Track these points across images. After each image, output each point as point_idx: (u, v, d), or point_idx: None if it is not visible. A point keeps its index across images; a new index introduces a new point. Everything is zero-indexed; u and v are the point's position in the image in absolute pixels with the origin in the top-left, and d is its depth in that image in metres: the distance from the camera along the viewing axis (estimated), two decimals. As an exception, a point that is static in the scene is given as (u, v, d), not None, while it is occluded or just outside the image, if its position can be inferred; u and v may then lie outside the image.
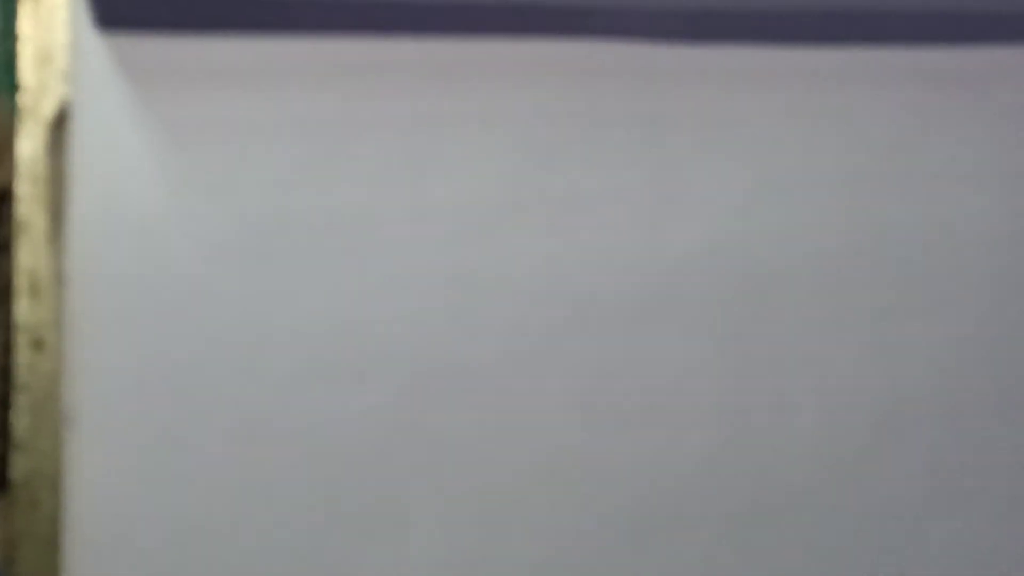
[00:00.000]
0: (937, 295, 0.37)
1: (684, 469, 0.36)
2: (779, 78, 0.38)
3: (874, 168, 0.38)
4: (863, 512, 0.36)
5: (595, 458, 0.35)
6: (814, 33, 0.38)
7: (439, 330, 0.34)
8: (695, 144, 0.37)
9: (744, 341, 0.38)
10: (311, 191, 0.34)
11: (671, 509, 0.35)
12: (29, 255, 0.34)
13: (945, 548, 0.37)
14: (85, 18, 0.33)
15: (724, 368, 0.36)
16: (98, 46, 0.33)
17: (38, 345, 0.34)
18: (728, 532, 0.36)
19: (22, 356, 0.34)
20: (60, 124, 0.33)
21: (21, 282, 0.34)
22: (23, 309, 0.34)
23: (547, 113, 0.36)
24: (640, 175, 0.37)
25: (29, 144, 0.34)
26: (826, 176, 0.38)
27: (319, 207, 0.34)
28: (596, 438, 0.35)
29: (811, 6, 0.36)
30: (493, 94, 0.36)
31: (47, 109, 0.34)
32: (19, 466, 0.34)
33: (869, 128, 0.38)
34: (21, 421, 0.34)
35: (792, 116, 0.38)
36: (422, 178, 0.35)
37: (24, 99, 0.34)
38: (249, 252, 0.33)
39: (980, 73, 0.37)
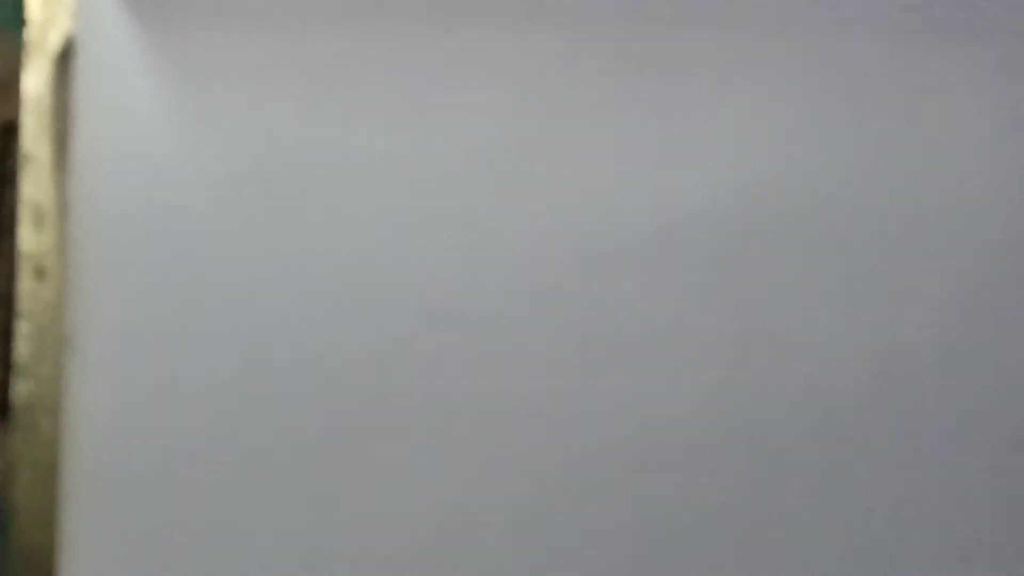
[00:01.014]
0: (942, 243, 0.37)
1: (683, 410, 0.36)
2: (781, 22, 0.37)
3: (879, 113, 0.37)
4: (862, 453, 0.37)
5: (594, 398, 0.36)
6: None
7: (443, 269, 0.35)
8: (698, 88, 0.36)
9: (745, 285, 0.37)
10: (316, 131, 0.34)
11: (669, 448, 0.36)
12: (33, 186, 0.34)
13: (942, 493, 0.38)
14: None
15: (725, 312, 0.36)
16: None
17: (40, 273, 0.34)
18: (727, 472, 0.37)
19: (25, 284, 0.34)
20: (66, 58, 0.34)
21: (25, 212, 0.34)
22: (27, 238, 0.34)
23: (549, 58, 0.36)
24: (642, 119, 0.36)
25: (35, 78, 0.34)
26: (830, 121, 0.37)
27: (324, 147, 0.34)
28: (596, 378, 0.36)
29: None
30: (495, 38, 0.36)
31: (53, 43, 0.35)
32: (20, 392, 0.34)
33: (873, 71, 0.37)
34: (22, 347, 0.34)
35: (795, 60, 0.37)
36: (427, 120, 0.35)
37: (30, 33, 0.34)
38: (253, 187, 0.34)
39: (987, 16, 0.37)
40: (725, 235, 0.35)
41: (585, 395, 0.35)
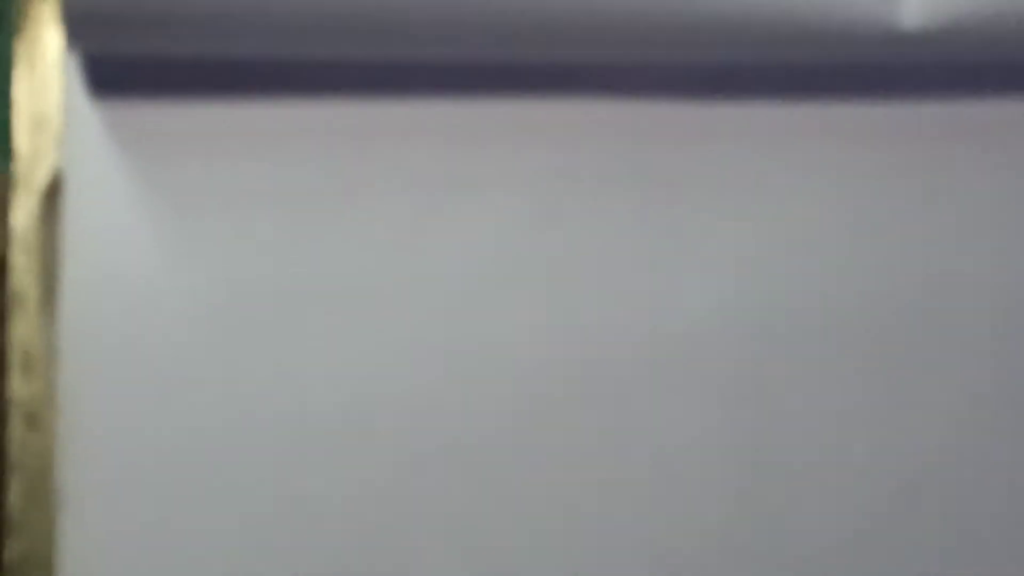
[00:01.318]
0: (952, 355, 0.37)
1: (693, 542, 0.35)
2: (787, 136, 0.36)
3: (886, 226, 0.37)
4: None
5: (605, 533, 0.35)
6: (822, 89, 0.36)
7: (438, 401, 0.34)
8: (701, 203, 0.36)
9: (754, 406, 0.36)
10: (307, 259, 0.33)
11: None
12: (23, 328, 0.33)
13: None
14: (78, 84, 0.32)
15: (734, 437, 0.35)
16: (91, 112, 0.32)
17: (32, 422, 0.33)
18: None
19: (15, 433, 0.33)
20: (54, 193, 0.33)
21: (15, 356, 0.33)
22: (16, 384, 0.33)
23: (548, 174, 0.35)
24: (645, 236, 0.35)
25: (22, 213, 0.33)
26: (837, 235, 0.36)
27: (316, 275, 0.33)
28: (605, 510, 0.35)
29: (818, 62, 0.35)
30: (491, 155, 0.34)
31: (41, 177, 0.33)
32: (12, 549, 0.33)
33: (879, 185, 0.37)
34: (14, 502, 0.33)
35: (800, 174, 0.36)
36: (419, 244, 0.34)
37: (18, 167, 0.33)
38: (245, 321, 0.33)
39: (988, 127, 0.37)
40: (732, 353, 0.34)
41: (593, 529, 0.34)
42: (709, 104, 0.35)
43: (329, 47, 0.32)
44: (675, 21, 0.32)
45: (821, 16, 0.32)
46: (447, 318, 0.34)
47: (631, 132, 0.35)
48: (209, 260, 0.32)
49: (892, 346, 0.36)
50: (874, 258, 0.36)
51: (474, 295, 0.34)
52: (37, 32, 0.34)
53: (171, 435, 0.32)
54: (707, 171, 0.35)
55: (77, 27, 0.30)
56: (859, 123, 0.36)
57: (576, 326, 0.35)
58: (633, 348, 0.35)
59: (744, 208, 0.35)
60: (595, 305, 0.35)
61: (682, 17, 0.32)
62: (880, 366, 0.36)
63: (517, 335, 0.35)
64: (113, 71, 0.33)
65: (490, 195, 0.34)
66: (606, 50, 0.33)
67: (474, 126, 0.34)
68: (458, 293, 0.34)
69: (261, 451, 0.32)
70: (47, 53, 0.34)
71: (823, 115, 0.36)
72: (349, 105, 0.34)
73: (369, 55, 0.33)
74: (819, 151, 0.36)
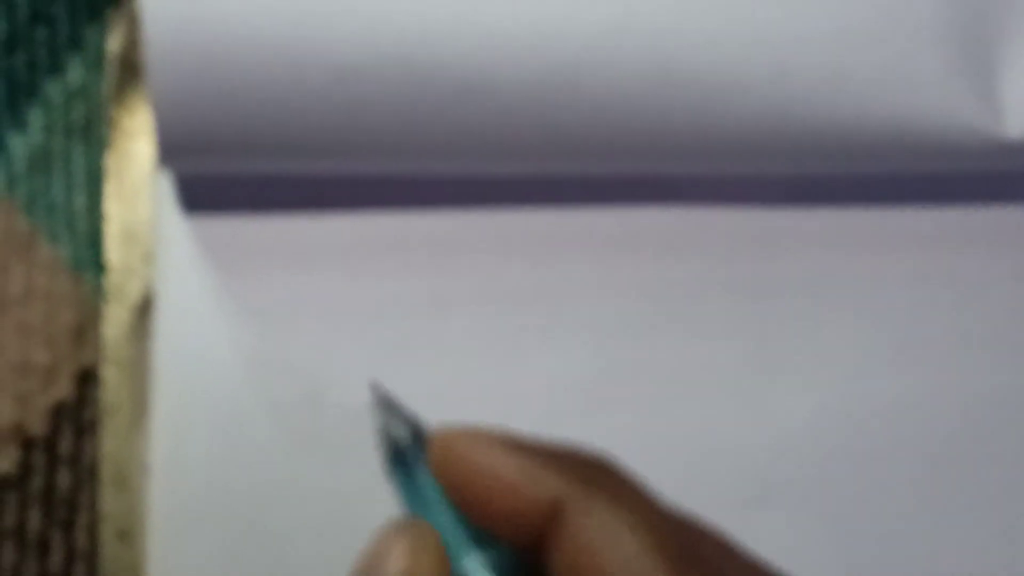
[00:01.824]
0: None
1: None
2: (885, 241, 0.36)
3: (990, 334, 0.36)
4: None
5: None
6: (923, 197, 0.36)
7: None
8: (798, 312, 0.35)
9: (853, 521, 0.35)
10: (397, 374, 0.33)
11: None
12: (114, 442, 0.33)
13: None
14: (169, 200, 0.32)
15: (835, 552, 0.34)
16: (182, 228, 0.32)
17: (123, 536, 0.33)
18: None
19: (107, 547, 0.33)
20: (145, 308, 0.33)
21: (106, 470, 0.33)
22: (108, 499, 0.33)
23: (641, 285, 0.34)
24: (741, 346, 0.35)
25: (113, 326, 0.33)
26: (938, 343, 0.35)
27: (407, 392, 0.33)
28: None
29: (919, 171, 0.34)
30: (585, 267, 0.34)
31: (132, 290, 0.34)
32: (103, 665, 0.33)
33: (982, 292, 0.36)
34: (106, 617, 0.33)
35: (899, 280, 0.36)
36: (514, 357, 0.34)
37: (109, 279, 0.33)
38: (334, 444, 0.33)
39: None
40: (831, 465, 0.33)
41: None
42: (807, 212, 0.35)
43: (418, 163, 0.32)
44: (774, 133, 0.32)
45: (922, 127, 0.32)
46: (545, 430, 0.33)
47: (724, 240, 0.35)
48: (298, 377, 0.32)
49: (997, 458, 0.35)
50: (980, 366, 0.35)
51: (568, 408, 0.33)
52: (127, 145, 0.34)
53: (261, 552, 0.32)
54: (805, 280, 0.35)
55: (169, 150, 0.30)
56: (961, 230, 0.35)
57: (669, 436, 0.34)
58: (731, 458, 0.34)
59: (843, 318, 0.35)
60: (688, 416, 0.34)
61: (782, 129, 0.31)
62: (984, 478, 0.35)
63: (611, 446, 0.34)
64: (205, 187, 0.33)
65: (581, 307, 0.34)
66: (706, 161, 0.32)
67: (568, 239, 0.34)
68: (553, 406, 0.33)
69: (344, 565, 0.32)
70: (137, 166, 0.34)
71: (923, 222, 0.35)
72: (437, 218, 0.34)
73: (459, 170, 0.32)
74: (920, 258, 0.35)
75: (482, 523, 0.25)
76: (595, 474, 0.24)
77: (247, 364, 0.33)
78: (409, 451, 0.28)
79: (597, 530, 0.23)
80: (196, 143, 0.30)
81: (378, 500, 0.32)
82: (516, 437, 0.25)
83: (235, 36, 0.29)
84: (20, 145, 0.34)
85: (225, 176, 0.33)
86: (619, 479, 0.24)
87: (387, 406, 0.29)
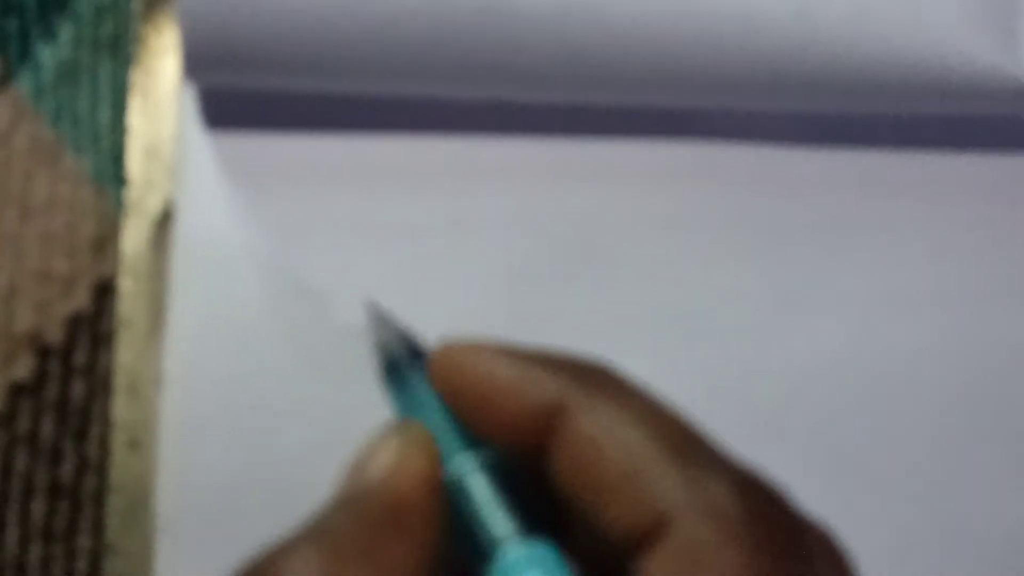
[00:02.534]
0: None
1: None
2: (905, 185, 0.36)
3: (1011, 280, 0.36)
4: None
5: None
6: (942, 139, 0.36)
7: None
8: (817, 251, 0.35)
9: (864, 458, 0.35)
10: (415, 296, 0.34)
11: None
12: (129, 353, 0.34)
13: None
14: (192, 115, 0.32)
15: (844, 488, 0.34)
16: (205, 143, 0.33)
17: (134, 445, 0.34)
18: None
19: (117, 455, 0.33)
20: (165, 222, 0.33)
21: (120, 380, 0.33)
22: (120, 408, 0.33)
23: (658, 218, 0.35)
24: (759, 283, 0.35)
25: (133, 240, 0.34)
26: (959, 289, 0.35)
27: (423, 313, 0.33)
28: None
29: (937, 110, 0.34)
30: (602, 198, 0.34)
31: (152, 204, 0.34)
32: (109, 568, 0.33)
33: (1004, 239, 0.36)
34: (112, 524, 0.33)
35: (920, 225, 0.36)
36: (526, 283, 0.34)
37: (129, 193, 0.34)
38: (343, 362, 0.33)
39: None
40: (845, 402, 0.33)
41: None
42: (829, 153, 0.35)
43: (438, 86, 0.32)
44: (796, 70, 0.32)
45: (943, 68, 0.32)
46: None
47: (743, 177, 0.35)
48: (311, 295, 0.33)
49: (1010, 404, 0.35)
50: (1002, 313, 0.35)
51: (582, 341, 0.33)
52: (153, 62, 0.34)
53: (270, 465, 0.32)
54: (824, 220, 0.35)
55: (194, 64, 0.30)
56: (984, 176, 0.35)
57: (685, 369, 0.34)
58: (744, 391, 0.34)
59: (862, 259, 0.35)
60: (704, 350, 0.34)
61: (803, 66, 0.32)
62: (996, 424, 0.34)
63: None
64: (228, 104, 0.33)
65: (598, 238, 0.34)
66: (726, 96, 0.32)
67: (581, 168, 0.34)
68: (566, 338, 0.33)
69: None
70: (162, 83, 0.34)
71: (946, 167, 0.35)
72: (456, 142, 0.34)
73: (478, 95, 0.33)
74: (942, 204, 0.35)
75: (481, 430, 0.25)
76: (595, 375, 0.25)
77: (263, 281, 0.33)
78: (403, 363, 0.28)
79: (599, 425, 0.23)
80: (221, 56, 0.30)
81: (382, 418, 0.33)
82: (516, 347, 0.25)
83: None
84: (49, 57, 0.35)
85: (248, 93, 0.33)
86: (619, 380, 0.25)
87: (382, 321, 0.29)
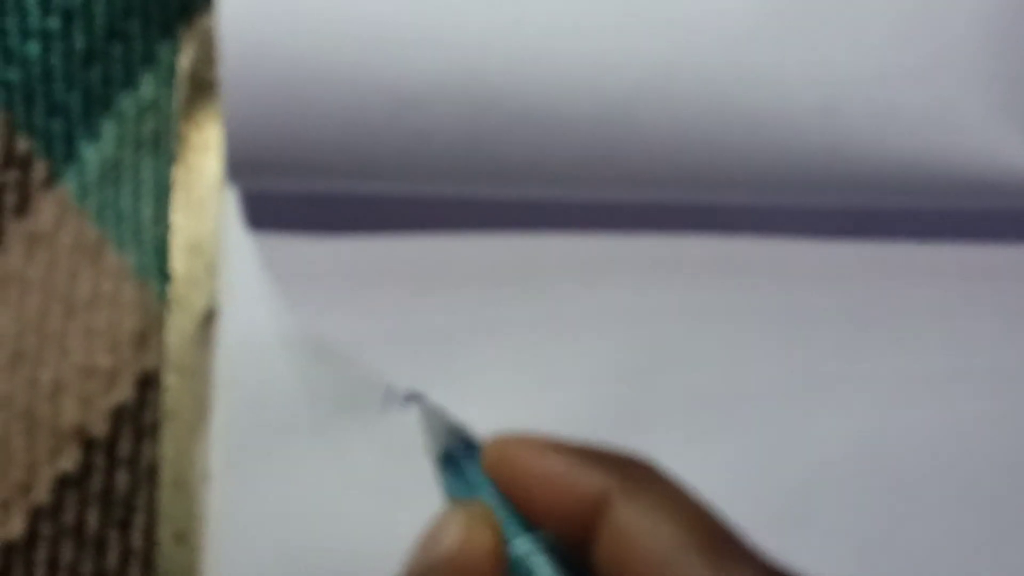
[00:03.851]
0: None
1: None
2: (927, 275, 0.36)
3: None
4: None
5: None
6: (963, 230, 0.37)
7: None
8: (841, 340, 0.36)
9: (889, 549, 0.35)
10: (458, 401, 0.34)
11: None
12: (174, 446, 0.34)
13: None
14: (234, 214, 0.33)
15: (870, 570, 0.35)
16: (248, 243, 0.33)
17: (180, 539, 0.34)
18: None
19: (165, 548, 0.34)
20: (210, 318, 0.34)
21: (166, 473, 0.34)
22: (167, 500, 0.34)
23: (687, 310, 0.35)
24: (783, 372, 0.35)
25: (176, 334, 0.35)
26: (979, 377, 0.36)
27: (466, 419, 0.34)
28: None
29: (959, 205, 0.35)
30: (633, 292, 0.35)
31: (195, 300, 0.35)
32: (157, 661, 0.34)
33: (1020, 327, 0.36)
34: (161, 615, 0.34)
35: (941, 313, 0.36)
36: (558, 381, 0.35)
37: (174, 289, 0.34)
38: (386, 473, 0.34)
39: None
40: (870, 492, 0.34)
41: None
42: (852, 244, 0.35)
43: (475, 188, 0.33)
44: (822, 168, 0.32)
45: (966, 166, 0.32)
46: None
47: (769, 269, 0.36)
48: (354, 396, 0.33)
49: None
50: (1021, 401, 0.35)
51: (610, 432, 0.34)
52: (195, 160, 0.35)
53: (315, 563, 0.33)
54: (848, 310, 0.35)
55: (237, 169, 0.31)
56: (1004, 266, 0.36)
57: (709, 459, 0.35)
58: (770, 482, 0.35)
59: (885, 348, 0.35)
60: (729, 439, 0.35)
61: (830, 164, 0.32)
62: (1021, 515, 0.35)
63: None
64: (270, 206, 0.34)
65: (627, 331, 0.35)
66: (754, 193, 0.33)
67: (614, 263, 0.35)
68: (595, 431, 0.34)
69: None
70: (204, 180, 0.35)
71: (967, 257, 0.36)
72: (496, 242, 0.34)
73: (515, 195, 0.33)
74: (963, 293, 0.36)
75: (533, 518, 0.27)
76: (638, 471, 0.26)
77: (306, 380, 0.34)
78: (457, 453, 0.29)
79: (639, 521, 0.25)
80: (263, 162, 0.31)
81: (423, 516, 0.33)
82: (565, 441, 0.27)
83: (307, 60, 0.30)
84: (93, 155, 0.36)
85: (290, 195, 0.34)
86: (660, 476, 0.26)
87: (433, 413, 0.30)
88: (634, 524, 0.25)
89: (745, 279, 0.35)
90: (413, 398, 0.31)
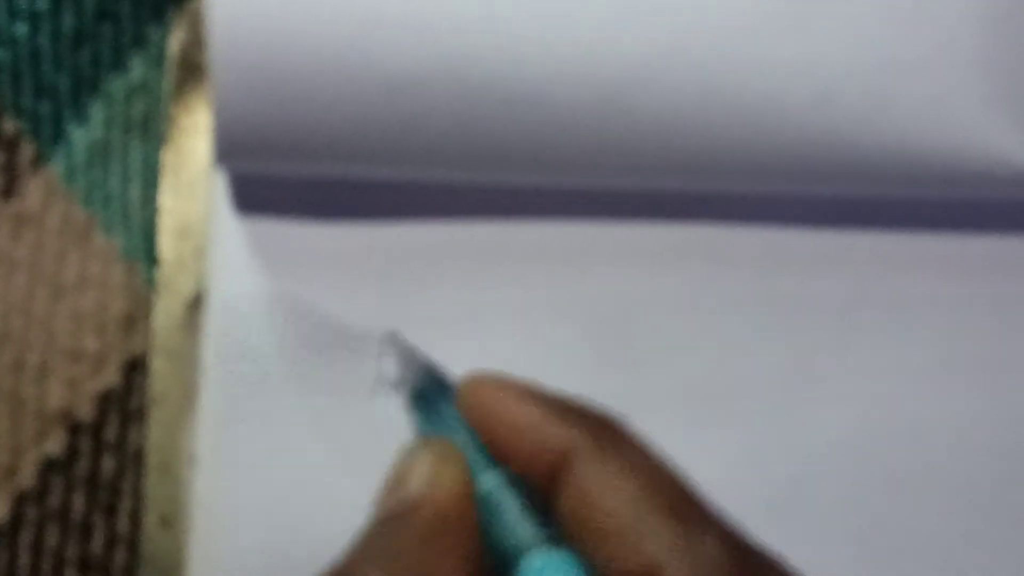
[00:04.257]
0: None
1: None
2: (921, 264, 0.36)
3: (1019, 358, 0.36)
4: None
5: None
6: (958, 220, 0.36)
7: None
8: (834, 330, 0.35)
9: (881, 539, 0.35)
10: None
11: None
12: (160, 431, 0.34)
13: None
14: (223, 198, 0.33)
15: (864, 565, 0.34)
16: (236, 227, 0.33)
17: (165, 522, 0.34)
18: None
19: (149, 530, 0.34)
20: (197, 303, 0.34)
21: (152, 457, 0.34)
22: (152, 484, 0.34)
23: (680, 299, 0.35)
24: (777, 362, 0.35)
25: (164, 318, 0.34)
26: (972, 367, 0.36)
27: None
28: None
29: (954, 195, 0.35)
30: (624, 281, 0.35)
31: (183, 284, 0.34)
32: (141, 647, 0.34)
33: (1014, 318, 0.36)
34: (145, 600, 0.34)
35: (935, 303, 0.36)
36: (549, 370, 0.35)
37: (161, 272, 0.34)
38: (376, 450, 0.34)
39: None
40: (861, 484, 0.34)
41: None
42: (846, 234, 0.35)
43: (466, 173, 0.33)
44: (816, 157, 0.32)
45: (961, 157, 0.32)
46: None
47: (761, 258, 0.35)
48: (342, 380, 0.33)
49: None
50: (1015, 391, 0.35)
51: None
52: (184, 142, 0.35)
53: (302, 545, 0.33)
54: (842, 299, 0.35)
55: (226, 152, 0.31)
56: (998, 257, 0.36)
57: (702, 448, 0.35)
58: (761, 475, 0.35)
59: (878, 339, 0.35)
60: (723, 429, 0.35)
61: (824, 154, 0.32)
62: (1014, 506, 0.35)
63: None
64: (259, 189, 0.34)
65: (619, 320, 0.35)
66: (749, 181, 0.33)
67: (604, 251, 0.35)
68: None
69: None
70: (193, 163, 0.35)
71: (961, 248, 0.36)
72: (483, 228, 0.34)
73: (506, 181, 0.33)
74: (956, 283, 0.36)
75: (501, 458, 0.27)
76: (604, 428, 0.26)
77: (293, 365, 0.34)
78: (430, 391, 0.29)
79: (602, 480, 0.25)
80: (252, 144, 0.31)
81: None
82: (538, 389, 0.27)
83: (296, 43, 0.30)
84: (81, 138, 0.35)
85: (278, 179, 0.33)
86: (628, 436, 0.26)
87: (406, 351, 0.30)
88: (597, 483, 0.25)
89: (737, 268, 0.35)
90: (389, 336, 0.31)
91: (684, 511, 0.25)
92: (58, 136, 0.35)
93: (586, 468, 0.25)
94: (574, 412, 0.26)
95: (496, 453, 0.27)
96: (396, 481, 0.27)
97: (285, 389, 0.34)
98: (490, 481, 0.27)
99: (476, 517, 0.26)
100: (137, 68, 0.35)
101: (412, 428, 0.30)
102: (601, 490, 0.25)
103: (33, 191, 0.35)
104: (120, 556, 0.34)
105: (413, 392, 0.30)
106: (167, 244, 0.35)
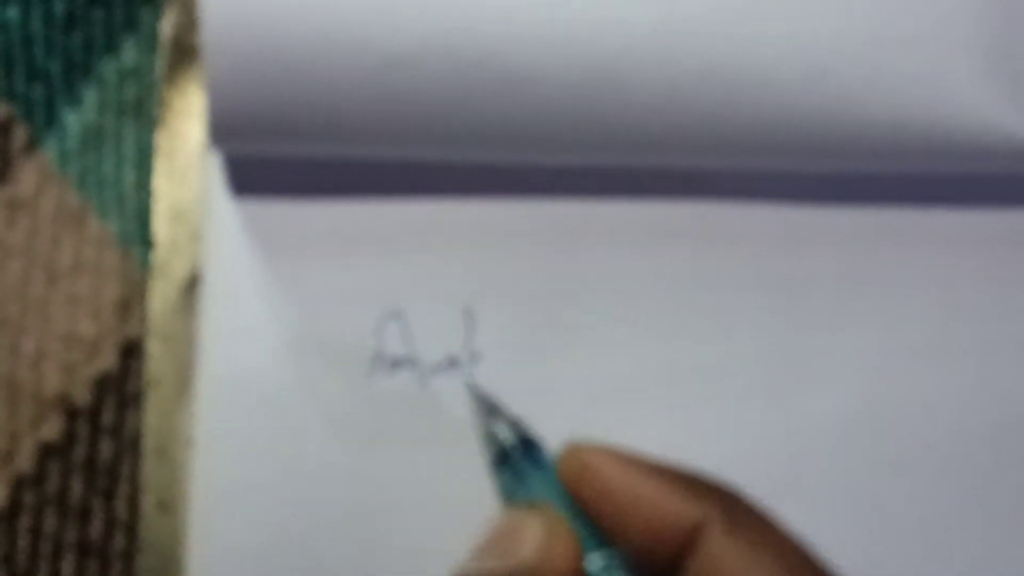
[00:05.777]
0: None
1: None
2: (915, 240, 0.36)
3: (1018, 335, 0.36)
4: None
5: None
6: (951, 196, 0.36)
7: None
8: (828, 308, 0.35)
9: (878, 518, 0.35)
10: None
11: None
12: (157, 414, 0.34)
13: None
14: (217, 180, 0.33)
15: (859, 543, 0.35)
16: (231, 209, 0.33)
17: (163, 506, 0.34)
18: None
19: (147, 515, 0.34)
20: (192, 285, 0.34)
21: (149, 441, 0.34)
22: (150, 468, 0.34)
23: (672, 279, 0.35)
24: (771, 340, 0.35)
25: (159, 301, 0.34)
26: (966, 344, 0.36)
27: (448, 384, 0.34)
28: None
29: (947, 169, 0.34)
30: (617, 260, 0.35)
31: (178, 267, 0.34)
32: (141, 629, 0.34)
33: (1011, 293, 0.36)
34: (144, 584, 0.34)
35: (928, 280, 0.36)
36: (549, 349, 0.35)
37: (156, 256, 0.34)
38: (376, 431, 0.34)
39: None
40: (859, 461, 0.34)
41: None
42: (840, 210, 0.35)
43: (461, 151, 0.33)
44: (809, 132, 0.32)
45: (954, 130, 0.32)
46: (578, 423, 0.34)
47: (756, 236, 0.35)
48: (338, 360, 0.33)
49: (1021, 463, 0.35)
50: (1009, 368, 0.35)
51: (600, 401, 0.34)
52: (177, 125, 0.35)
53: (299, 528, 0.33)
54: (836, 277, 0.35)
55: (220, 134, 0.31)
56: (991, 232, 0.36)
57: (698, 429, 0.35)
58: (758, 452, 0.35)
59: (872, 316, 0.35)
60: (717, 409, 0.35)
61: (817, 129, 0.32)
62: (1011, 482, 0.35)
63: (640, 443, 0.35)
64: (253, 171, 0.34)
65: (612, 299, 0.35)
66: (741, 157, 0.33)
67: (597, 229, 0.35)
68: (585, 400, 0.34)
69: (384, 553, 0.33)
70: (187, 146, 0.35)
71: (955, 223, 0.36)
72: (479, 206, 0.34)
73: (500, 159, 0.33)
74: (950, 259, 0.36)
75: (614, 534, 0.26)
76: (733, 501, 0.26)
77: (289, 345, 0.34)
78: (515, 451, 0.29)
79: (738, 556, 0.25)
80: (247, 126, 0.31)
81: (409, 481, 0.33)
82: (644, 459, 0.26)
83: (289, 24, 0.30)
84: (74, 122, 0.35)
85: (273, 160, 0.33)
86: (757, 510, 0.26)
87: (489, 407, 0.30)
88: (731, 559, 0.24)
89: (732, 246, 0.35)
90: (470, 389, 0.30)
91: None
92: (51, 120, 0.35)
93: (718, 544, 0.25)
94: (701, 485, 0.26)
95: (608, 529, 0.26)
96: (503, 543, 0.26)
97: (282, 372, 0.34)
98: (599, 561, 0.26)
99: None
100: (130, 51, 0.35)
101: (498, 486, 0.30)
102: (736, 566, 0.24)
103: (26, 176, 0.35)
104: (118, 540, 0.34)
105: (499, 450, 0.29)
106: (162, 227, 0.35)
